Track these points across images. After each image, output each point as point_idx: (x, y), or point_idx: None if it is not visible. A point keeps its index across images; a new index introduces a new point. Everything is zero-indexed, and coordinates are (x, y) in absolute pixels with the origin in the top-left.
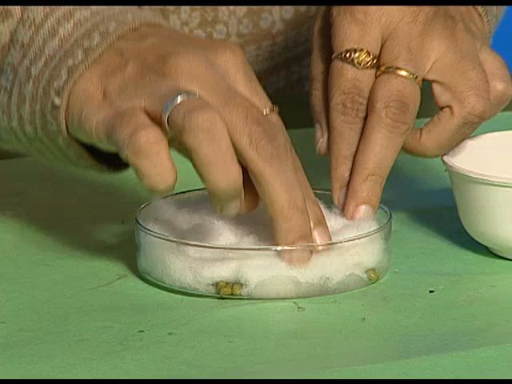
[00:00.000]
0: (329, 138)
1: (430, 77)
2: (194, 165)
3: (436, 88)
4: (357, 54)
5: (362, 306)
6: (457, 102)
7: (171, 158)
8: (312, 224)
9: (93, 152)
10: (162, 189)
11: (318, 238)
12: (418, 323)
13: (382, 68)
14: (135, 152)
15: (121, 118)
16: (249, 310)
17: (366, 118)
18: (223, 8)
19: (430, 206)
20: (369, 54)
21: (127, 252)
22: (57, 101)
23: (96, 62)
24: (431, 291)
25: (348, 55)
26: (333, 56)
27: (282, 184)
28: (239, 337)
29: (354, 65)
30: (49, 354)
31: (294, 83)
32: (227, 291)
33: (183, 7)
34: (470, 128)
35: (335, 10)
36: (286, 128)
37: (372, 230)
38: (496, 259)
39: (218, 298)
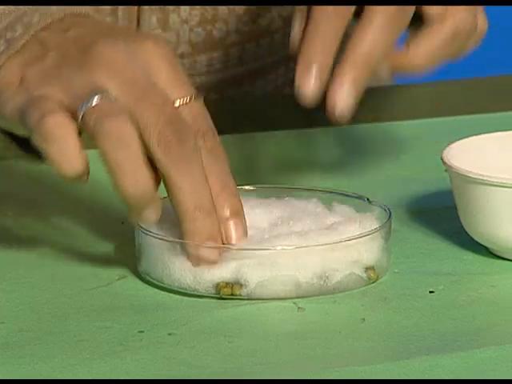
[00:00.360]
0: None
1: None
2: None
3: None
4: None
5: (361, 306)
6: (449, 12)
7: (80, 144)
8: (229, 214)
9: (23, 142)
10: (71, 176)
11: (233, 228)
12: (417, 323)
13: None
14: (42, 135)
15: (33, 102)
16: (249, 310)
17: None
18: (174, 15)
19: (430, 206)
20: None
21: (127, 252)
22: None
23: (18, 52)
24: (431, 291)
25: None
26: None
27: (188, 186)
28: (239, 337)
29: None
30: (49, 354)
31: (293, 80)
32: (227, 291)
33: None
34: (457, 42)
35: None
36: (282, 128)
37: (372, 228)
38: (496, 259)
39: (218, 299)
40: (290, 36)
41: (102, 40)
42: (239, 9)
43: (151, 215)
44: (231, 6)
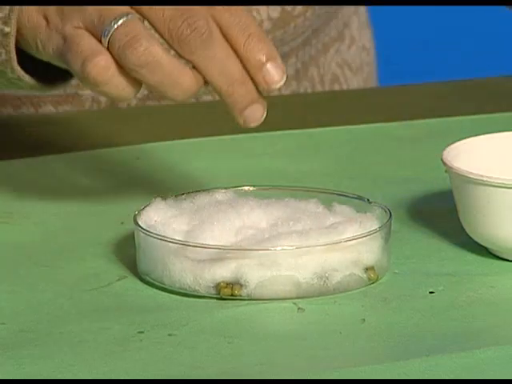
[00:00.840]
0: None
1: None
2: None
3: None
4: None
5: (361, 306)
6: None
7: (124, 77)
8: (264, 59)
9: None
10: (127, 100)
11: (272, 71)
12: (417, 324)
13: None
14: (90, 84)
15: (68, 45)
16: (249, 310)
17: None
18: None
19: (430, 207)
20: None
21: (127, 253)
22: (6, 29)
23: None
24: (431, 292)
25: None
26: None
27: (215, 69)
28: (239, 338)
29: None
30: (49, 354)
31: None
32: (227, 292)
33: None
34: None
35: None
36: (281, 129)
37: (372, 229)
38: (496, 260)
39: (218, 299)
40: (278, 38)
41: None
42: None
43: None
44: None
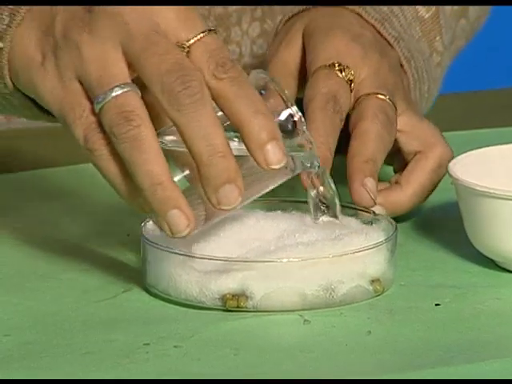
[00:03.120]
0: None
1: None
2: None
3: (401, 137)
4: (345, 69)
5: (367, 318)
6: (429, 149)
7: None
8: (266, 138)
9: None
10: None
11: (271, 152)
12: (423, 336)
13: (365, 92)
14: (91, 154)
15: (68, 106)
16: (255, 322)
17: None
18: (236, 28)
19: (436, 219)
20: (353, 75)
21: (133, 265)
22: (0, 44)
23: (26, 19)
24: (437, 304)
25: (337, 65)
26: (317, 65)
27: (198, 133)
28: (245, 350)
29: (340, 75)
30: (54, 366)
31: None
32: (233, 304)
33: None
34: (441, 173)
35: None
36: None
37: (378, 240)
38: (502, 272)
39: (224, 311)
40: None
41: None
42: (252, 32)
43: (175, 218)
44: (244, 29)
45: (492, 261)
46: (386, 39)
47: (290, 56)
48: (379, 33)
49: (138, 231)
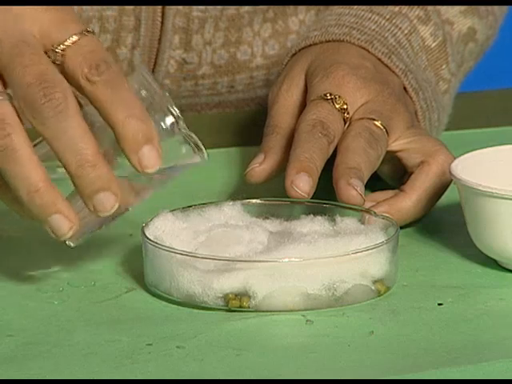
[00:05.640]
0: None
1: (395, 148)
2: None
3: (403, 154)
4: (337, 99)
5: (370, 319)
6: (431, 157)
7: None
8: (140, 141)
9: None
10: None
11: (146, 156)
12: (426, 336)
13: (357, 118)
14: None
15: None
16: (257, 323)
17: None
18: (247, 29)
19: (438, 219)
20: (346, 104)
21: (135, 265)
22: None
23: None
24: (439, 304)
25: (329, 95)
26: (312, 98)
27: (64, 146)
28: (247, 350)
29: (331, 104)
30: (57, 367)
31: None
32: (236, 303)
33: (207, 27)
34: (445, 180)
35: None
36: None
37: (379, 241)
38: (505, 272)
39: (226, 311)
40: None
41: None
42: (264, 32)
43: (58, 221)
44: (256, 30)
45: (495, 261)
46: (392, 71)
47: (292, 99)
48: (383, 63)
49: (140, 232)
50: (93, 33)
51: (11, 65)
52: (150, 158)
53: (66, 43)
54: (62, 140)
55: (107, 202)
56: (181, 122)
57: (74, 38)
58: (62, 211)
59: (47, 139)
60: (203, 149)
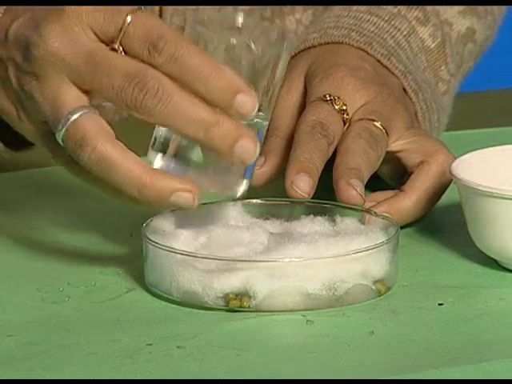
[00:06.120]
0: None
1: (395, 148)
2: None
3: (403, 154)
4: (336, 100)
5: (370, 319)
6: (431, 157)
7: None
8: (232, 95)
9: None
10: None
11: (242, 101)
12: (426, 337)
13: (356, 118)
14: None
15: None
16: (257, 323)
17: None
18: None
19: (439, 219)
20: (346, 105)
21: (136, 265)
22: None
23: None
24: (440, 304)
25: (328, 97)
26: (311, 99)
27: (180, 121)
28: (248, 350)
29: (331, 105)
30: (57, 367)
31: None
32: (236, 304)
33: None
34: (445, 180)
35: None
36: None
37: (379, 241)
38: (505, 272)
39: (227, 311)
40: None
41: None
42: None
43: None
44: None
45: (495, 261)
46: (392, 72)
47: (291, 101)
48: (383, 65)
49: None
50: (140, 9)
51: (94, 80)
52: (247, 102)
53: (120, 35)
54: (178, 119)
55: (248, 146)
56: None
57: (125, 25)
58: (178, 188)
59: (166, 125)
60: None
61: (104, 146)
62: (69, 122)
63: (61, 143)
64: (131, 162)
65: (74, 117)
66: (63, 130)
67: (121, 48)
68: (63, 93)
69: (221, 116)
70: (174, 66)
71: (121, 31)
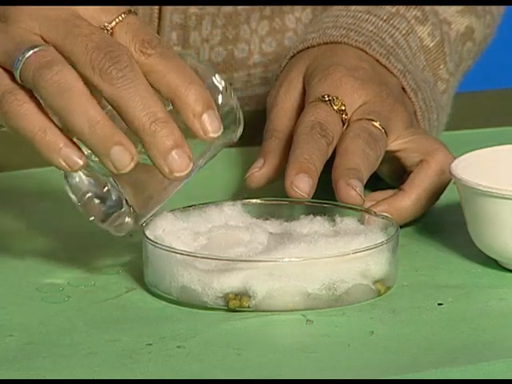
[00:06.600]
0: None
1: (394, 148)
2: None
3: (402, 154)
4: (335, 100)
5: (370, 318)
6: (430, 156)
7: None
8: (201, 108)
9: None
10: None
11: (207, 122)
12: (426, 336)
13: (355, 119)
14: (6, 115)
15: None
16: (257, 322)
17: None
18: (245, 26)
19: (438, 219)
20: (344, 106)
21: (135, 265)
22: None
23: None
24: (440, 304)
25: (327, 97)
26: (310, 99)
27: (137, 103)
28: (247, 350)
29: (329, 105)
30: (57, 367)
31: None
32: (236, 303)
33: (204, 24)
34: (444, 178)
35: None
36: None
37: (379, 241)
38: (505, 272)
39: (226, 311)
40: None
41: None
42: (261, 30)
43: (126, 159)
44: (253, 27)
45: (495, 261)
46: (391, 71)
47: (290, 102)
48: (381, 64)
49: (140, 231)
50: (135, 12)
51: (70, 36)
52: (212, 123)
53: (113, 22)
54: (133, 99)
55: (183, 160)
56: (229, 89)
57: (121, 16)
58: (123, 143)
59: (117, 101)
60: (241, 124)
61: (70, 72)
62: (37, 49)
63: (16, 74)
64: (91, 99)
65: (41, 47)
66: (29, 53)
67: (109, 31)
68: (27, 35)
69: (171, 119)
70: (163, 61)
71: (117, 18)
